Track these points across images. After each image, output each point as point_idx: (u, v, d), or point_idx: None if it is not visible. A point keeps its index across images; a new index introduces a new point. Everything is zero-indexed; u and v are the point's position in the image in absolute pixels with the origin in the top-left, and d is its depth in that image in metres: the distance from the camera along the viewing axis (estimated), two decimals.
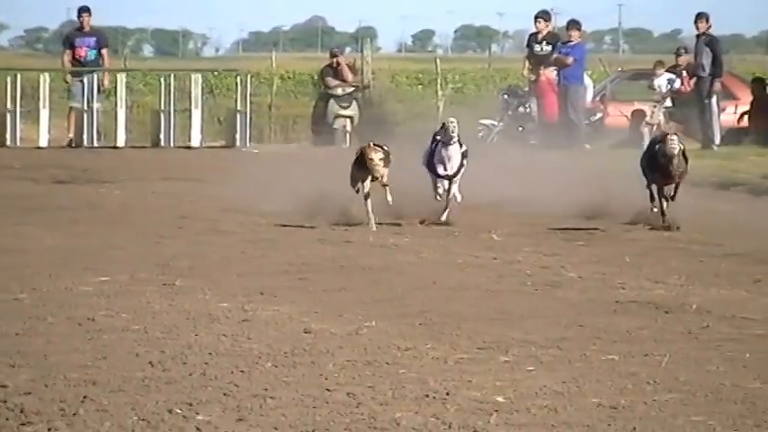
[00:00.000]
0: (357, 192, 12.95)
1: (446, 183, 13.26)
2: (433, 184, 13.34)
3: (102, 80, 26.49)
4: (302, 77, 36.52)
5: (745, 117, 27.05)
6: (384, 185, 12.89)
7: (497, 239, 12.00)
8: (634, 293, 8.79)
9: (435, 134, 13.50)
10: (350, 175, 13.14)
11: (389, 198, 12.90)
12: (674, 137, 13.03)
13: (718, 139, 25.32)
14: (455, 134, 13.26)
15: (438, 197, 13.28)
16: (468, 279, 9.55)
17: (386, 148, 13.10)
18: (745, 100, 27.44)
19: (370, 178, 12.86)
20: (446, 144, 13.26)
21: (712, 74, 25.52)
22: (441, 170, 13.25)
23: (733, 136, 25.61)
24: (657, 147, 13.12)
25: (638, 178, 13.25)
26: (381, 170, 12.80)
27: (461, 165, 13.27)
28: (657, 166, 12.98)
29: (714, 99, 25.64)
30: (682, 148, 12.87)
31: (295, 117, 31.69)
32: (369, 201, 12.88)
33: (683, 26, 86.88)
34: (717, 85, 25.62)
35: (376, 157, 12.84)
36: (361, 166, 12.96)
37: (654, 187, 13.02)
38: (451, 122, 13.37)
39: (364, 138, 26.80)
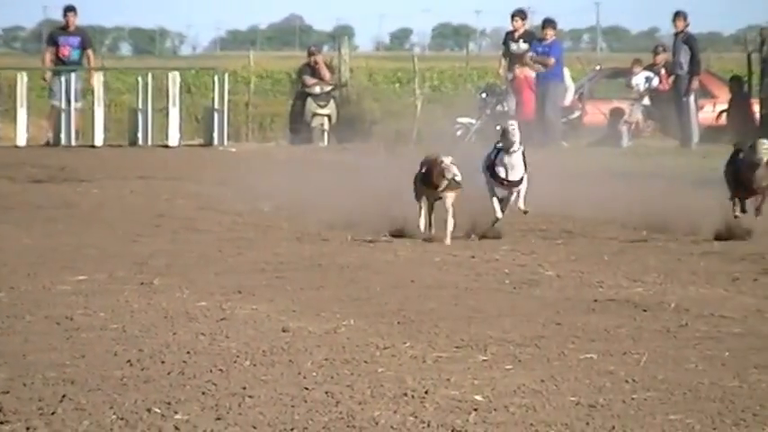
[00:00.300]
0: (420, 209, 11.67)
1: (506, 192, 12.07)
2: (490, 196, 12.07)
3: (87, 80, 26.52)
4: (279, 76, 36.65)
5: (723, 115, 27.21)
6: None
7: (474, 238, 11.99)
8: (612, 292, 8.82)
9: (496, 143, 12.19)
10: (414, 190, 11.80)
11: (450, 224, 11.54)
12: (766, 141, 11.74)
13: (696, 138, 25.46)
14: (516, 139, 11.97)
15: (498, 212, 12.00)
16: (446, 277, 9.57)
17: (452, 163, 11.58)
18: (723, 98, 27.60)
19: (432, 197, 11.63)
20: (508, 151, 12.01)
21: (690, 72, 25.68)
22: (502, 175, 12.00)
23: (711, 134, 25.71)
24: (743, 154, 11.98)
25: (614, 176, 13.30)
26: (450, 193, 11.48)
27: (525, 173, 12.06)
28: (740, 176, 11.90)
29: (692, 97, 25.78)
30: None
31: (272, 116, 31.79)
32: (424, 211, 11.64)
33: (660, 24, 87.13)
34: (695, 83, 25.78)
35: (449, 173, 11.43)
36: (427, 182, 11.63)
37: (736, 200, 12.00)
38: (512, 126, 12.19)
39: (341, 136, 26.91)
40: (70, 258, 10.30)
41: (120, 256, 10.51)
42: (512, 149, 11.94)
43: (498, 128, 12.77)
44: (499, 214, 11.99)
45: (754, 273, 9.75)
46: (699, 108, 26.32)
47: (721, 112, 27.28)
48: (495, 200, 12.00)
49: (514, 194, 12.07)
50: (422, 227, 11.70)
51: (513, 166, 11.92)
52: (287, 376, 5.86)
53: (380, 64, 44.08)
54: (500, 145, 12.07)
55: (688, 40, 26.01)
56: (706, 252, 11.09)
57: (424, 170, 11.65)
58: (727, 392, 5.59)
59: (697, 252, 11.08)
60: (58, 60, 26.40)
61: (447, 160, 11.50)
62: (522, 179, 11.98)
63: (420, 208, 11.70)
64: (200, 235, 12.43)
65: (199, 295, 8.38)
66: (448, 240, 11.45)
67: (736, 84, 27.66)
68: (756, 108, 26.74)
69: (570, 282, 9.36)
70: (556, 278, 9.53)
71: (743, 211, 11.90)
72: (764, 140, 11.82)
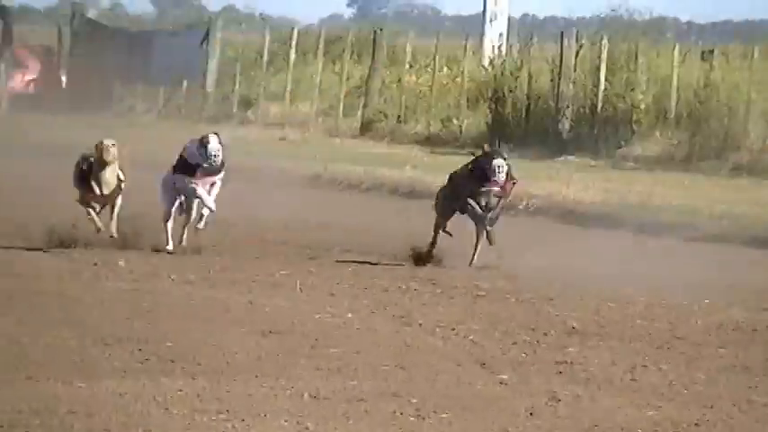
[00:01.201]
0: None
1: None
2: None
3: None
4: None
5: (32, 84, 28.92)
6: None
7: None
8: None
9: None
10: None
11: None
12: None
13: (5, 104, 26.91)
14: None
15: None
16: None
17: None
18: (34, 69, 29.26)
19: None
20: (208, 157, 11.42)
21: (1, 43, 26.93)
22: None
23: (21, 101, 27.30)
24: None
25: None
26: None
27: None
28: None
29: (2, 66, 27.11)
30: None
31: None
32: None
33: None
34: (6, 54, 27.11)
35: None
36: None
37: None
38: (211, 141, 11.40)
39: None
40: None
41: None
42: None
43: None
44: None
45: None
46: (10, 77, 27.74)
47: (30, 80, 28.96)
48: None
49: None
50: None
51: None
52: None
53: None
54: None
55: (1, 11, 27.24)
56: None
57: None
58: None
59: None
60: None
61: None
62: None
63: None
64: None
65: None
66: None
67: (47, 54, 29.44)
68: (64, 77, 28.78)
69: None
70: None
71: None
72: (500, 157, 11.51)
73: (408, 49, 27.25)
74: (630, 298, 9.62)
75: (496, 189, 11.21)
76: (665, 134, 22.50)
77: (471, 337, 7.95)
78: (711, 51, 23.72)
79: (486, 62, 25.64)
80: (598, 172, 20.51)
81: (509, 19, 27.84)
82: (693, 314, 9.08)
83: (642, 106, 22.76)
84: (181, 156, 11.28)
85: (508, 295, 9.71)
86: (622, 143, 22.56)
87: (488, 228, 11.27)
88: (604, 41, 23.05)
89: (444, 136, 24.13)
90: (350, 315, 8.67)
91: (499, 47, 25.95)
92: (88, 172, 11.44)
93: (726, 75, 22.60)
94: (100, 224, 11.32)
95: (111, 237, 11.34)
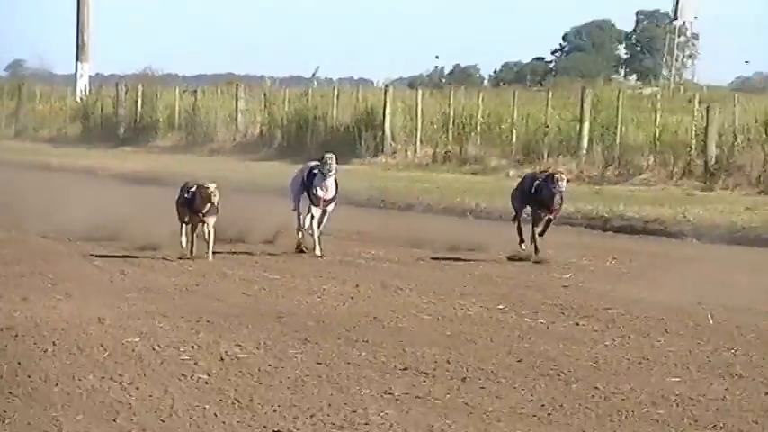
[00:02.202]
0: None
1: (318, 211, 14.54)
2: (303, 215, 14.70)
3: None
4: None
5: None
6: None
7: None
8: None
9: (312, 168, 14.75)
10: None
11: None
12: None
13: None
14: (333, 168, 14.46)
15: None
16: None
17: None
18: None
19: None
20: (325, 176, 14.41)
21: None
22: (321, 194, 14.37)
23: None
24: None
25: None
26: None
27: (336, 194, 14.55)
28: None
29: None
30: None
31: None
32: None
33: None
34: None
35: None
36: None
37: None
38: (330, 158, 14.53)
39: None
40: None
41: None
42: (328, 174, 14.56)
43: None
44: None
45: None
46: None
47: None
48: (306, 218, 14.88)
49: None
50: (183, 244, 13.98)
51: (328, 188, 14.64)
52: None
53: None
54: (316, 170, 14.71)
55: None
56: None
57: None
58: None
59: None
60: None
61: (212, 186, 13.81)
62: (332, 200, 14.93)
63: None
64: None
65: None
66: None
67: None
68: None
69: None
70: None
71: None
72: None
73: (38, 91, 50.30)
74: None
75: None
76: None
77: None
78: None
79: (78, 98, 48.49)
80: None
81: (89, 77, 51.12)
82: None
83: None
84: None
85: None
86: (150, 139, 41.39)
87: None
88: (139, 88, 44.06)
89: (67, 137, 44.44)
90: None
91: (83, 91, 49.12)
92: (191, 200, 14.00)
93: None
94: (187, 249, 14.17)
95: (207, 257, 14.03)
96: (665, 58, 67.26)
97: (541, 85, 60.19)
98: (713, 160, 26.06)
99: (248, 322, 10.34)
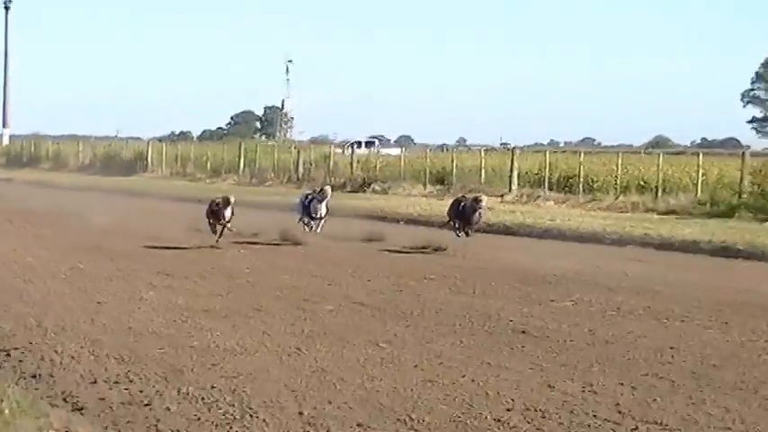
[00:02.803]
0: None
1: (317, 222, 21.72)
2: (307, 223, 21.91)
3: None
4: None
5: None
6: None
7: None
8: None
9: (308, 195, 22.48)
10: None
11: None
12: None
13: None
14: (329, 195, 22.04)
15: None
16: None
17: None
18: None
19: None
20: (321, 200, 21.65)
21: None
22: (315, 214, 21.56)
23: None
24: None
25: None
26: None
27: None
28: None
29: None
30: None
31: None
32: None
33: None
34: None
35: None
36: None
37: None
38: (325, 190, 22.29)
39: None
40: None
41: None
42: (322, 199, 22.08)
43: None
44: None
45: None
46: None
47: None
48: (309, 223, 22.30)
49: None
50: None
51: (318, 209, 22.04)
52: None
53: None
54: (312, 196, 22.37)
55: None
56: None
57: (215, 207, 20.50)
58: None
59: None
60: None
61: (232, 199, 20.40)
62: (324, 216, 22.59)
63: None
64: None
65: None
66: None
67: None
68: None
69: None
70: None
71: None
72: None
73: None
74: None
75: None
76: None
77: None
78: None
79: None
80: None
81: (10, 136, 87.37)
82: None
83: None
84: None
85: None
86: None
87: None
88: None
89: None
90: None
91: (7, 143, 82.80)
92: (216, 210, 20.60)
93: None
94: (218, 237, 20.57)
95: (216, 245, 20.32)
96: (278, 127, 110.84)
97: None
98: (301, 174, 51.66)
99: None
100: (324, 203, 22.03)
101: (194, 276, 16.66)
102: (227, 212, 20.40)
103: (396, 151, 63.03)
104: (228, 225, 20.52)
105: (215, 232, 20.64)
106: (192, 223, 22.74)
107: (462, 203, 21.42)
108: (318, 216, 21.98)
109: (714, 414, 8.86)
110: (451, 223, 21.67)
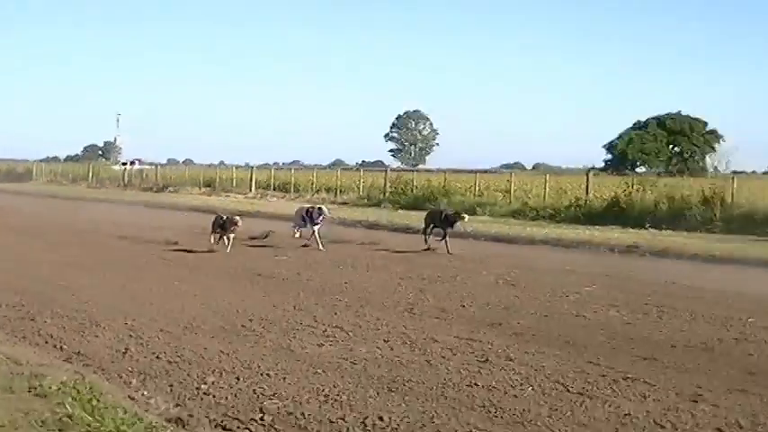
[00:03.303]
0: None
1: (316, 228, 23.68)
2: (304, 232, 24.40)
3: None
4: None
5: None
6: None
7: None
8: None
9: (307, 209, 24.12)
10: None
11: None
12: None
13: None
14: (328, 214, 24.45)
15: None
16: None
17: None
18: None
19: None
20: (319, 215, 23.42)
21: None
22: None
23: None
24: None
25: None
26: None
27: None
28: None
29: None
30: None
31: None
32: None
33: None
34: None
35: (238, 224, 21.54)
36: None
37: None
38: (323, 209, 24.44)
39: None
40: None
41: None
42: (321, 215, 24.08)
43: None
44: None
45: None
46: None
47: None
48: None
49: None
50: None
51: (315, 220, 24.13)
52: None
53: None
54: (311, 214, 24.37)
55: None
56: None
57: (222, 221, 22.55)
58: None
59: None
60: None
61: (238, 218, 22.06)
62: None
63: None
64: None
65: None
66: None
67: None
68: None
69: None
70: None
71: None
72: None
73: None
74: None
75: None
76: None
77: None
78: None
79: None
80: None
81: None
82: None
83: None
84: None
85: None
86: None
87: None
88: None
89: None
90: None
91: None
92: (222, 224, 22.12)
93: None
94: (215, 247, 22.02)
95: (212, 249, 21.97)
96: (112, 154, 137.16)
97: None
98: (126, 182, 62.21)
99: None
100: (322, 216, 24.95)
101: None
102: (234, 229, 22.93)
103: (149, 167, 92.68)
104: (232, 237, 23.02)
105: (218, 242, 23.26)
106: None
107: (444, 213, 24.79)
108: (319, 222, 24.79)
109: (370, 321, 13.31)
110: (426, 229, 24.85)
